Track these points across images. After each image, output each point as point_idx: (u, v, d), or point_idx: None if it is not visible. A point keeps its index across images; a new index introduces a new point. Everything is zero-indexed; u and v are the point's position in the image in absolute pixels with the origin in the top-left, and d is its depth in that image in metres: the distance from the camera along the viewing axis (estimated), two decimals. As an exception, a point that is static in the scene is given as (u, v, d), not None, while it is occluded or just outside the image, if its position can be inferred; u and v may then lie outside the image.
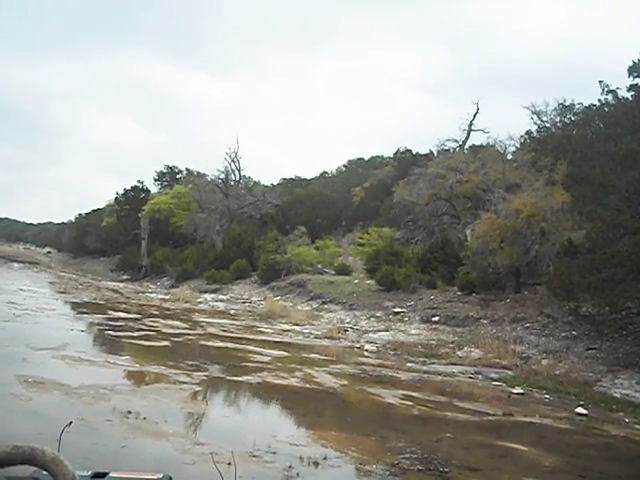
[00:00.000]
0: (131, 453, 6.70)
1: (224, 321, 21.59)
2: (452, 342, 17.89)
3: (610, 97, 20.93)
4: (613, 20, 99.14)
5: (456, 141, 39.52)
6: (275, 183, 52.17)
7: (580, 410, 11.12)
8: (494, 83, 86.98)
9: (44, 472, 1.14)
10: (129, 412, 8.09)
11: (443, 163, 31.16)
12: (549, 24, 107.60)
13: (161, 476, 1.42)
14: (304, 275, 29.97)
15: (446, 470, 6.96)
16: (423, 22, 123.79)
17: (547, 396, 12.45)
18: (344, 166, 56.42)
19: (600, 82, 20.82)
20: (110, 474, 1.42)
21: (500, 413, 10.60)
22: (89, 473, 1.40)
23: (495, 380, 13.79)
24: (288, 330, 20.44)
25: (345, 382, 12.30)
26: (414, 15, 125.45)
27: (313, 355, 15.58)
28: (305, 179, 54.98)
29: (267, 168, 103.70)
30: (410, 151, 46.33)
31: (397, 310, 22.13)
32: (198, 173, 49.55)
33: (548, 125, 32.90)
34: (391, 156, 49.47)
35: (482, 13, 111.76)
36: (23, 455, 1.12)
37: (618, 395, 12.58)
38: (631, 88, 18.48)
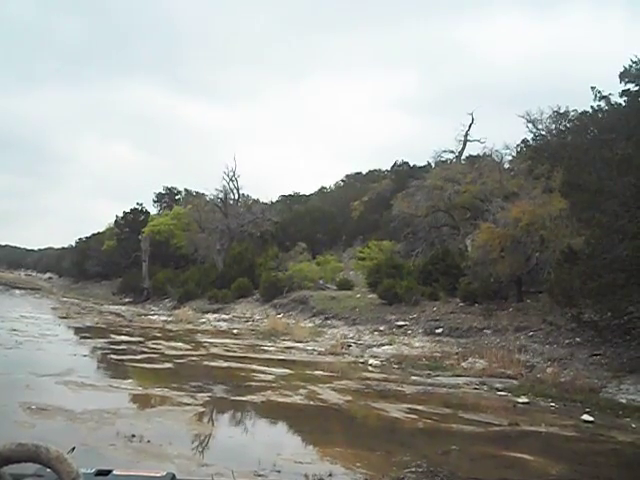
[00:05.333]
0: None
1: (227, 341, 21.55)
2: (456, 353, 17.83)
3: (603, 103, 21.01)
4: (590, 30, 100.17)
5: (452, 152, 39.59)
6: (274, 200, 52.18)
7: (586, 417, 11.06)
8: (482, 96, 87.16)
9: (48, 470, 1.15)
10: (133, 436, 8.06)
11: (440, 174, 31.20)
12: (526, 37, 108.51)
13: (164, 474, 1.43)
14: (306, 291, 29.94)
15: (452, 483, 6.94)
16: (404, 44, 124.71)
17: (553, 404, 12.39)
18: (342, 181, 56.55)
19: (592, 88, 20.90)
20: (114, 472, 1.43)
21: (506, 423, 10.55)
22: (92, 471, 1.41)
23: (500, 390, 13.73)
24: (291, 347, 20.40)
25: (349, 398, 12.26)
26: (395, 38, 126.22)
27: (317, 372, 15.54)
28: (304, 195, 55.02)
29: (265, 186, 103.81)
30: (407, 163, 46.43)
31: (400, 323, 22.08)
32: (197, 193, 49.68)
33: (543, 133, 32.94)
34: (388, 169, 49.60)
35: (458, 32, 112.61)
36: (27, 453, 1.13)
37: (624, 401, 12.51)
38: (623, 93, 18.56)
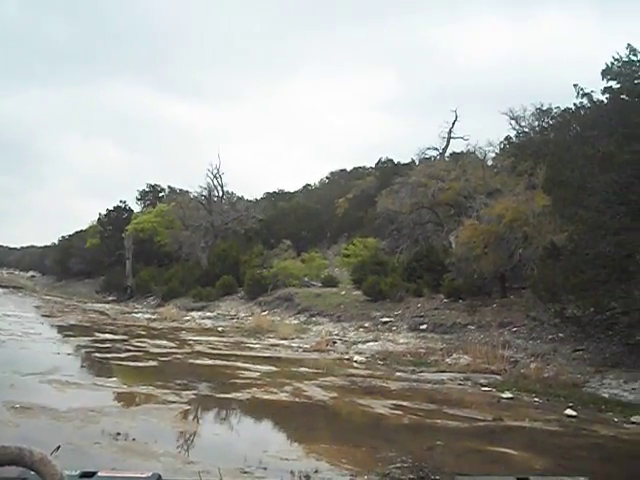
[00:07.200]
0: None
1: (212, 338, 21.51)
2: (440, 349, 17.91)
3: (585, 100, 21.14)
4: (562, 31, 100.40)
5: (436, 149, 39.74)
6: (258, 198, 52.08)
7: (569, 412, 11.17)
8: (465, 94, 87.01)
9: (32, 472, 1.14)
10: (118, 434, 8.04)
11: (424, 171, 31.28)
12: (506, 37, 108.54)
13: (150, 475, 1.42)
14: (291, 289, 29.91)
15: (437, 478, 6.98)
16: (386, 43, 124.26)
17: (536, 399, 12.49)
18: (327, 178, 56.47)
19: (575, 85, 21.00)
20: (98, 473, 1.42)
21: (490, 418, 10.62)
22: (77, 473, 1.40)
23: (484, 386, 13.82)
24: (276, 345, 20.40)
25: (335, 394, 12.29)
26: (376, 38, 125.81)
27: (302, 369, 15.55)
28: (288, 192, 54.89)
29: (250, 184, 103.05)
30: (391, 160, 46.49)
31: (385, 320, 22.14)
32: (180, 190, 49.39)
33: (526, 130, 33.13)
34: (373, 166, 49.64)
35: (437, 32, 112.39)
36: (11, 455, 1.12)
37: (606, 395, 12.64)
38: (605, 91, 18.66)
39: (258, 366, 15.34)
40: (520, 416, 10.88)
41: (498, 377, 14.58)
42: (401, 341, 19.65)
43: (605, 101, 19.41)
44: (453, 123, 39.23)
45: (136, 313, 32.86)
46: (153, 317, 30.13)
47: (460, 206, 27.50)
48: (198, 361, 16.00)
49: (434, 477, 7.00)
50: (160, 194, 54.48)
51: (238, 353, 17.88)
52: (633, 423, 10.50)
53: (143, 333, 22.34)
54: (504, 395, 12.69)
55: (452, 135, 39.33)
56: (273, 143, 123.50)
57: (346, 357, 17.85)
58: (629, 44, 18.69)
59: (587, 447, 9.25)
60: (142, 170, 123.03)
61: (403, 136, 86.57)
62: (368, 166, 51.41)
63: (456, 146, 39.61)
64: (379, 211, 32.48)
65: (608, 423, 10.63)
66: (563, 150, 20.01)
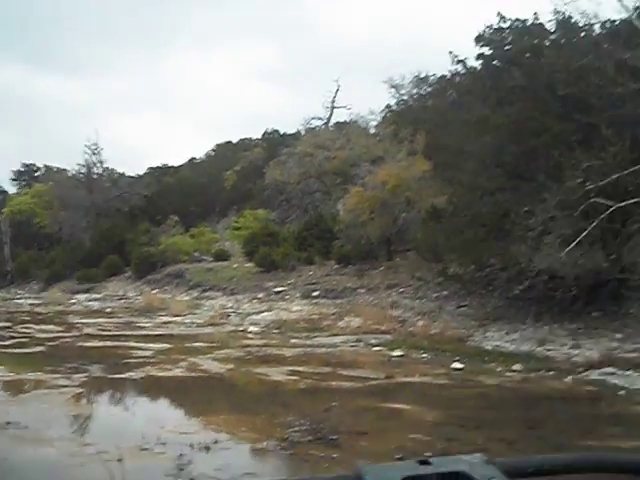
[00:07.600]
0: (15, 465, 6.46)
1: (100, 320, 20.93)
2: (333, 314, 18.29)
3: (460, 67, 21.90)
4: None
5: (321, 119, 40.04)
6: (142, 173, 50.41)
7: (456, 365, 11.75)
8: (346, 64, 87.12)
9: None
10: (8, 423, 7.76)
11: (310, 141, 31.51)
12: (380, 6, 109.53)
13: None
14: (181, 265, 29.52)
15: (335, 437, 7.20)
16: (258, 18, 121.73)
17: (425, 355, 13.04)
18: (213, 151, 55.51)
19: (450, 53, 21.70)
20: None
21: (382, 377, 11.02)
22: None
23: (375, 346, 14.26)
24: (169, 322, 20.12)
25: (231, 366, 12.34)
26: (253, 7, 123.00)
27: (197, 344, 15.45)
28: (173, 167, 53.53)
29: (132, 159, 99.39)
30: (277, 131, 46.42)
31: (278, 289, 22.33)
32: (58, 169, 47.12)
33: (406, 98, 33.96)
34: (259, 137, 49.36)
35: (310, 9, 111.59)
36: None
37: (490, 347, 13.37)
38: (479, 57, 19.38)
39: (151, 344, 15.11)
40: (410, 372, 11.35)
41: (388, 337, 15.08)
42: (295, 309, 19.90)
43: (479, 67, 20.16)
44: (336, 92, 39.60)
45: (18, 299, 31.48)
46: (37, 302, 28.95)
47: (346, 174, 27.96)
48: (88, 343, 15.56)
49: (332, 437, 7.22)
50: (36, 173, 51.75)
51: (129, 333, 17.51)
52: (514, 371, 11.20)
53: (27, 319, 21.42)
54: (394, 353, 13.17)
55: (335, 105, 39.75)
56: (155, 117, 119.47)
57: (241, 329, 17.90)
58: (499, 12, 19.48)
59: (474, 397, 9.80)
60: (15, 149, 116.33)
61: (288, 106, 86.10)
62: (255, 137, 51.02)
63: (340, 115, 40.14)
64: (268, 182, 32.48)
65: (492, 373, 11.28)
66: (441, 116, 20.77)
